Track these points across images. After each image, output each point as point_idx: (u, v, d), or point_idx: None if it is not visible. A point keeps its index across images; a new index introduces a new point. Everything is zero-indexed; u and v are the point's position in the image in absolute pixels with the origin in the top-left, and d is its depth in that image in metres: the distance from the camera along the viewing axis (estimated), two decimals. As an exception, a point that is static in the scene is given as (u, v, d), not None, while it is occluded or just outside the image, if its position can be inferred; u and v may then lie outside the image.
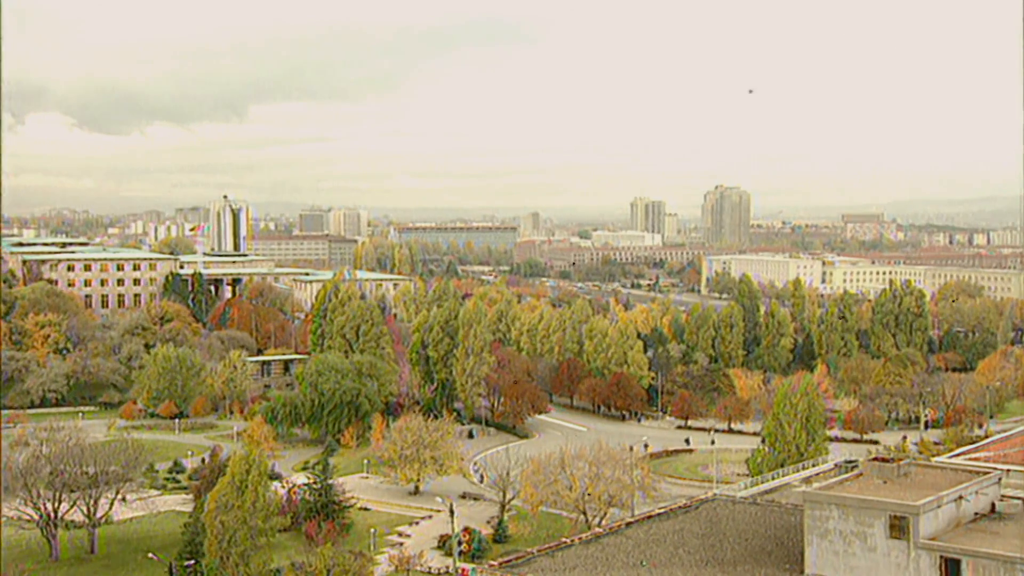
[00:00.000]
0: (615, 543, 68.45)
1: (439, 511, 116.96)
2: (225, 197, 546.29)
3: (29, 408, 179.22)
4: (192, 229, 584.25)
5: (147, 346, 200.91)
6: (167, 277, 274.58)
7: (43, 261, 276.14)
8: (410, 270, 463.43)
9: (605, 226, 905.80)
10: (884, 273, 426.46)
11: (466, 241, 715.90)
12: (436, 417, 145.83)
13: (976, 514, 63.87)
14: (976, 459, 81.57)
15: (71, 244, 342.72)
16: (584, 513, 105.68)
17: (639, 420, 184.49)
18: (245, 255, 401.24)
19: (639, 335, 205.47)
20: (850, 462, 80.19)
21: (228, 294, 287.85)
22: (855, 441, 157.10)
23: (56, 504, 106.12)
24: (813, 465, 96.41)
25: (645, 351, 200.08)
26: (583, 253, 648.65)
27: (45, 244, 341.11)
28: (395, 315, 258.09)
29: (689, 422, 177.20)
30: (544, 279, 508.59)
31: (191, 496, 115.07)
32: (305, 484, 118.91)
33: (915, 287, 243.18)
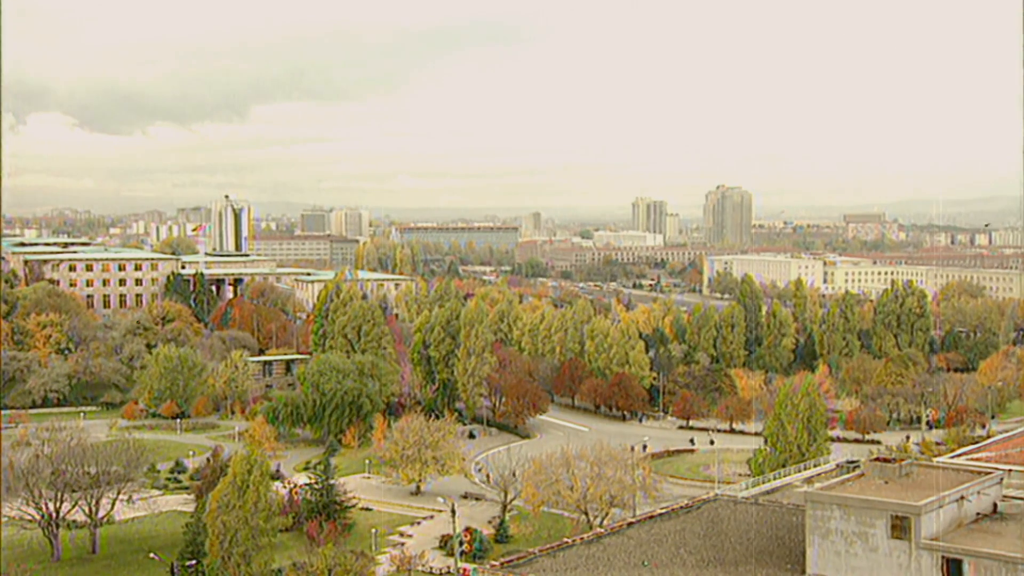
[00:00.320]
0: (617, 543, 68.44)
1: (440, 511, 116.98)
2: (227, 197, 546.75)
3: (31, 408, 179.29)
4: (194, 229, 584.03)
5: (149, 346, 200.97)
6: (169, 277, 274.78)
7: (45, 261, 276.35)
8: (411, 270, 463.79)
9: (606, 226, 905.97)
10: (886, 273, 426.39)
11: (467, 241, 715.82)
12: (437, 417, 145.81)
13: (978, 514, 63.86)
14: (978, 459, 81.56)
15: (73, 244, 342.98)
16: (586, 513, 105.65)
17: (640, 420, 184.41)
18: (247, 255, 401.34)
19: (640, 335, 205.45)
20: (852, 462, 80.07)
21: (230, 294, 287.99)
22: (857, 441, 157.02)
23: (58, 504, 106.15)
24: (815, 465, 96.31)
25: (647, 351, 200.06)
26: (584, 253, 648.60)
27: (47, 244, 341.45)
28: (396, 315, 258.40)
29: (691, 422, 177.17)
30: (546, 279, 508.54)
31: (193, 496, 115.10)
32: (307, 484, 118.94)
33: (917, 287, 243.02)
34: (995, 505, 65.33)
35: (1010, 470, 72.22)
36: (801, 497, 67.15)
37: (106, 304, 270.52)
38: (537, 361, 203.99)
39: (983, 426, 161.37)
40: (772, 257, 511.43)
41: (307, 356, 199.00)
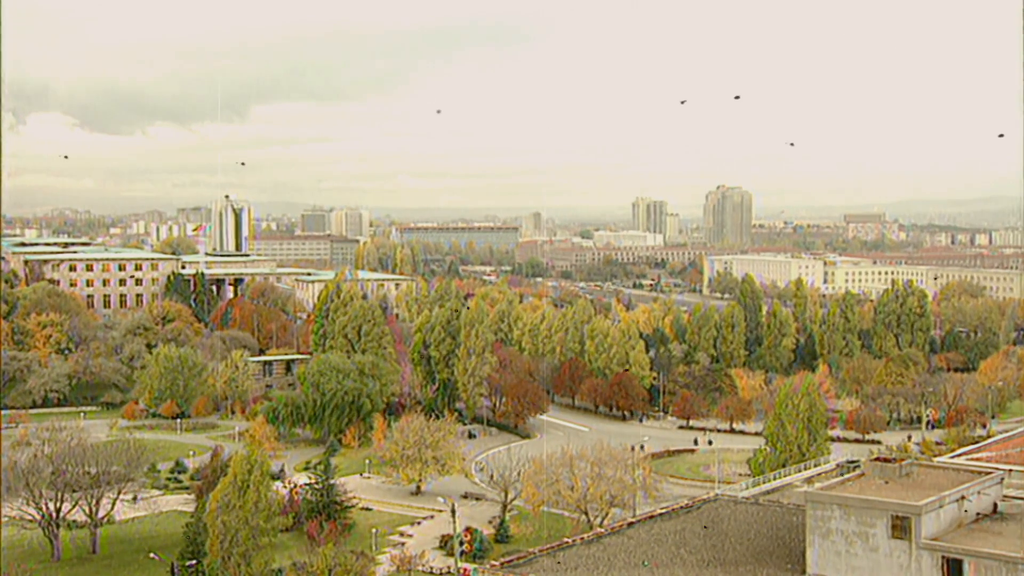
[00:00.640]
0: (617, 543, 68.46)
1: (441, 511, 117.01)
2: (227, 197, 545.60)
3: (31, 408, 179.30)
4: (194, 229, 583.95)
5: (149, 346, 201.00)
6: (169, 277, 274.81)
7: (45, 261, 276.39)
8: (412, 270, 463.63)
9: (607, 226, 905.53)
10: (886, 273, 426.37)
11: (468, 241, 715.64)
12: (438, 417, 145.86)
13: (978, 514, 63.85)
14: (978, 459, 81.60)
15: (73, 244, 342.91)
16: (586, 513, 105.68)
17: (641, 420, 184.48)
18: (247, 255, 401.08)
19: (641, 335, 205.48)
20: (852, 462, 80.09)
21: (230, 294, 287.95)
22: (857, 441, 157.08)
23: (58, 504, 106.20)
24: (815, 465, 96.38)
25: (647, 351, 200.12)
26: (585, 253, 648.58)
27: (47, 244, 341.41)
28: (397, 315, 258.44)
29: (691, 422, 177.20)
30: (546, 279, 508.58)
31: (193, 496, 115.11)
32: (307, 484, 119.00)
33: (917, 287, 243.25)
34: (995, 505, 65.31)
35: (1010, 470, 72.22)
36: (801, 497, 67.15)
37: (106, 304, 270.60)
38: (537, 361, 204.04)
39: (983, 426, 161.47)
40: (772, 257, 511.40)
41: (307, 356, 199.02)
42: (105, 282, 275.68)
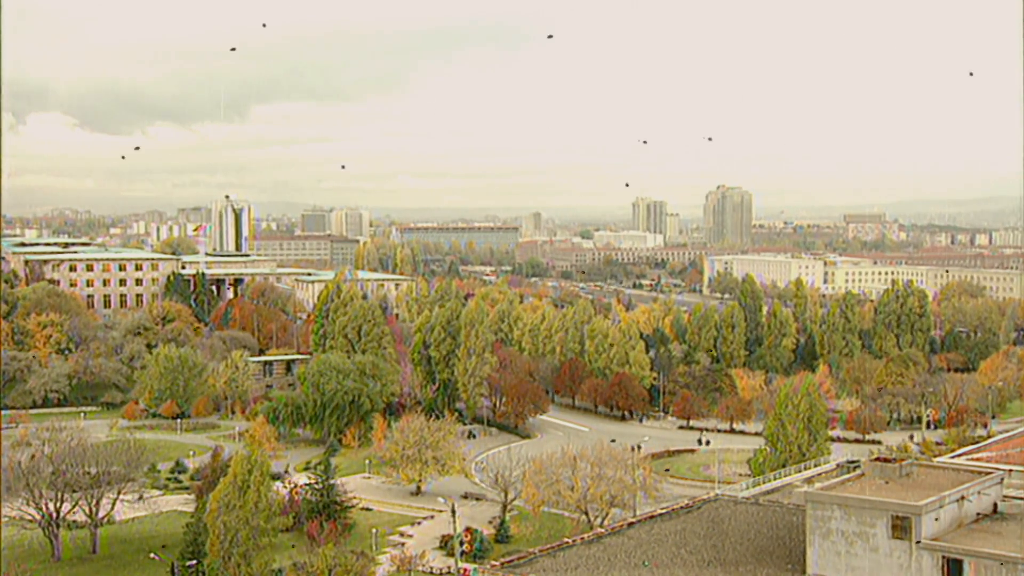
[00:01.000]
0: (617, 543, 68.45)
1: (441, 511, 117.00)
2: (227, 197, 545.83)
3: (31, 408, 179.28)
4: (194, 229, 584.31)
5: (149, 346, 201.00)
6: (169, 277, 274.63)
7: (45, 261, 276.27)
8: (412, 270, 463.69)
9: (607, 226, 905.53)
10: (886, 273, 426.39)
11: (468, 241, 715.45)
12: (438, 417, 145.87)
13: (978, 514, 63.87)
14: (978, 459, 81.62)
15: (73, 244, 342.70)
16: (586, 513, 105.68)
17: (641, 420, 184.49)
18: (247, 255, 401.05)
19: (641, 335, 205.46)
20: (852, 462, 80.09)
21: (230, 294, 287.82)
22: (857, 441, 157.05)
23: (58, 504, 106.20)
24: (815, 465, 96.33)
25: (647, 351, 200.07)
26: (585, 253, 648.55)
27: (47, 244, 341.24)
28: (397, 315, 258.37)
29: (691, 422, 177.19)
30: (546, 279, 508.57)
31: (193, 496, 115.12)
32: (307, 484, 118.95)
33: (917, 287, 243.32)
34: (995, 505, 65.33)
35: (1010, 470, 72.24)
36: (801, 497, 67.14)
37: (106, 304, 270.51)
38: (537, 361, 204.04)
39: (983, 426, 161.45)
40: (772, 257, 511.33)
41: (307, 356, 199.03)
42: (105, 282, 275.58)
